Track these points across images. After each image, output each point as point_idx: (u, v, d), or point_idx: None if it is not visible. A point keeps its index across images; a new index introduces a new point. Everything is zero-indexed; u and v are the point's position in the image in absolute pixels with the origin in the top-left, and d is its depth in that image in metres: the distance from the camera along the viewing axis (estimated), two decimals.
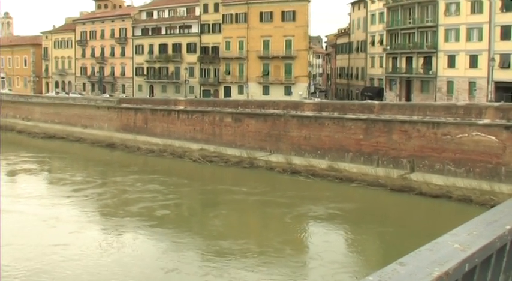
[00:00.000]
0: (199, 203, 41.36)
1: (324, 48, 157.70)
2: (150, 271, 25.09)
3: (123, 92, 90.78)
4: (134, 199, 40.03)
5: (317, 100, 64.94)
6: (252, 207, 39.01)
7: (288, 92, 76.56)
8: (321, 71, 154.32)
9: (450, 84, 68.47)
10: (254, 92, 75.37)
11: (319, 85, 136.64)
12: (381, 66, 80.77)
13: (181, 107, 63.61)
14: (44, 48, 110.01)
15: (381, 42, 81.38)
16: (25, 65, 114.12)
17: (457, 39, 67.29)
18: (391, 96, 74.61)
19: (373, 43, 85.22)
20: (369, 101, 56.41)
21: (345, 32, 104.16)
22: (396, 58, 76.02)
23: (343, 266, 26.17)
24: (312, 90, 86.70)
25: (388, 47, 77.45)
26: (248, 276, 24.51)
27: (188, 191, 44.02)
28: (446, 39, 68.67)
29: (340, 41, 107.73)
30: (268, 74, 78.36)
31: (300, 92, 74.67)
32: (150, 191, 42.57)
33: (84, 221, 34.34)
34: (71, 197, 41.13)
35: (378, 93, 78.19)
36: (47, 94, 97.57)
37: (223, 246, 28.66)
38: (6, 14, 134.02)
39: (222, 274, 24.78)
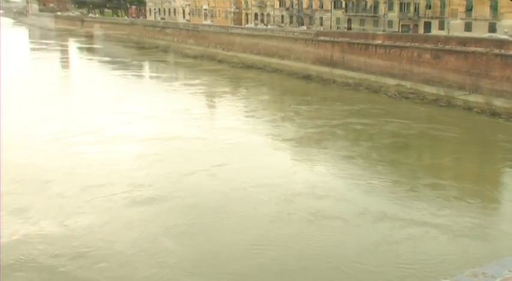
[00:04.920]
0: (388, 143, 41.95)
1: None
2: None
3: (321, 24, 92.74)
4: (331, 132, 42.28)
5: None
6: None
7: (492, 29, 73.66)
8: None
9: None
10: (455, 28, 73.51)
11: None
12: None
13: (379, 42, 64.34)
14: None
15: None
16: None
17: None
18: None
19: None
20: None
21: None
22: None
23: None
24: None
25: None
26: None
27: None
28: None
29: None
30: (471, 9, 75.80)
31: (505, 29, 71.52)
32: (347, 125, 44.33)
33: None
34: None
35: None
36: (246, 26, 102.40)
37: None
38: None
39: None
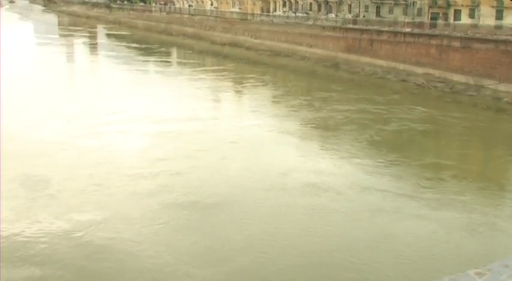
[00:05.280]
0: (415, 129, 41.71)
1: None
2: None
3: (349, 12, 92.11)
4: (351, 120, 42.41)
5: None
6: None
7: None
8: None
9: None
10: (486, 16, 72.68)
11: None
12: None
13: (408, 30, 63.82)
14: None
15: None
16: None
17: None
18: None
19: None
20: None
21: None
22: None
23: None
24: None
25: None
26: None
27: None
28: None
29: None
30: None
31: None
32: (374, 115, 44.35)
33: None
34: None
35: None
36: (274, 13, 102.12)
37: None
38: None
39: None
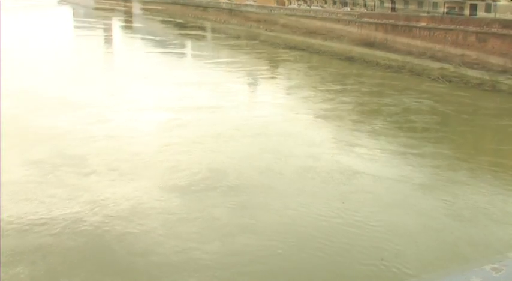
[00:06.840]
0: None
1: None
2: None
3: (364, 6, 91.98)
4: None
5: None
6: None
7: None
8: None
9: None
10: (503, 10, 72.27)
11: None
12: None
13: (423, 24, 63.66)
14: None
15: None
16: None
17: None
18: None
19: None
20: None
21: None
22: None
23: None
24: None
25: None
26: None
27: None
28: None
29: None
30: None
31: None
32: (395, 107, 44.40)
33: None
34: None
35: None
36: (290, 6, 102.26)
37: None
38: None
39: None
